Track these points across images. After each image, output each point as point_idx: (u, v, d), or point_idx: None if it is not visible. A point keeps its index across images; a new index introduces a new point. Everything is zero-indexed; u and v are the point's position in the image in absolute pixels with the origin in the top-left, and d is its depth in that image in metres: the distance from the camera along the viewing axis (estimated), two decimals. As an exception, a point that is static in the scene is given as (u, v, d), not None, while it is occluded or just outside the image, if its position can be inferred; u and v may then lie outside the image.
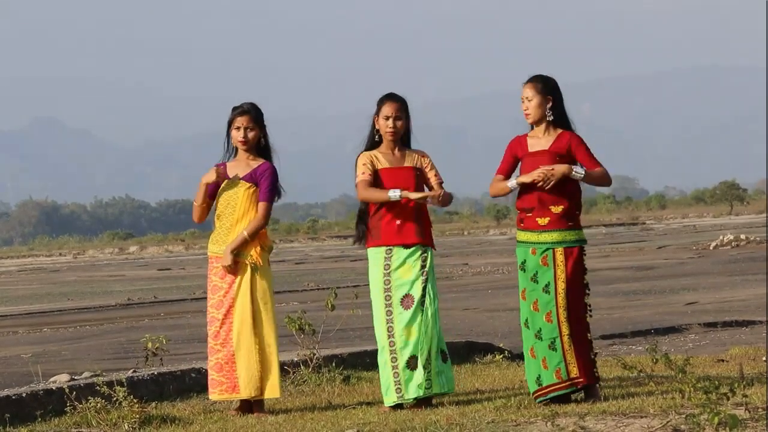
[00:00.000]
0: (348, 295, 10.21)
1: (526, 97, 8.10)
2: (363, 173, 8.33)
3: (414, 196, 8.17)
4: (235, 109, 8.56)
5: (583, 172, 7.97)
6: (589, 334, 7.94)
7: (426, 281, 8.22)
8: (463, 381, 9.54)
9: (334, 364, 9.92)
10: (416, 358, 8.15)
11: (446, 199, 8.17)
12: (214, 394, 8.46)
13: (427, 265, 8.26)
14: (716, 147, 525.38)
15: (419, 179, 8.35)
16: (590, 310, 7.99)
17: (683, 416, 6.60)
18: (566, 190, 8.02)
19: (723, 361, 10.17)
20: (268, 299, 8.40)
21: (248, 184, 8.46)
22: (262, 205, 8.43)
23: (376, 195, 8.23)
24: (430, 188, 8.36)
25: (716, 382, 6.58)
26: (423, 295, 8.19)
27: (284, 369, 9.80)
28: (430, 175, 8.40)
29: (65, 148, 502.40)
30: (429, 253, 8.30)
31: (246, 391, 8.33)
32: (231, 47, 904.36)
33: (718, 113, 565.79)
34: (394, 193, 8.18)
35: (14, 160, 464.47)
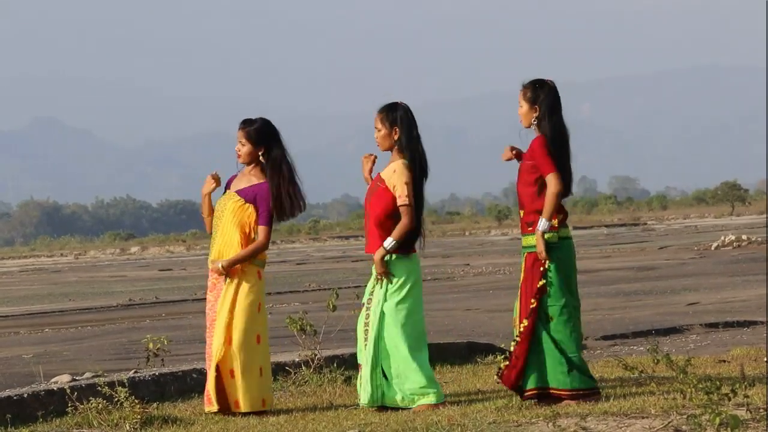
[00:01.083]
0: (349, 295, 10.22)
1: (519, 104, 8.01)
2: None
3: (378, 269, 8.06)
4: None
5: (545, 223, 7.72)
6: (514, 341, 7.79)
7: (373, 291, 8.12)
8: (464, 382, 9.55)
9: (335, 365, 9.91)
10: (360, 366, 8.20)
11: (378, 268, 7.99)
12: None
13: (383, 279, 8.08)
14: (716, 147, 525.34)
15: (375, 191, 8.15)
16: (533, 315, 7.74)
17: (685, 417, 6.60)
18: (525, 193, 7.90)
19: (724, 361, 10.16)
20: (250, 313, 8.28)
21: (238, 198, 8.38)
22: (261, 229, 8.32)
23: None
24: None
25: (717, 383, 6.59)
26: (368, 307, 8.12)
27: (285, 369, 9.84)
28: (395, 193, 8.07)
29: (65, 148, 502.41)
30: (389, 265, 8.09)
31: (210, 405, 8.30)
32: (231, 47, 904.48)
33: (718, 113, 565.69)
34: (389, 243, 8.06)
35: (14, 160, 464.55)
